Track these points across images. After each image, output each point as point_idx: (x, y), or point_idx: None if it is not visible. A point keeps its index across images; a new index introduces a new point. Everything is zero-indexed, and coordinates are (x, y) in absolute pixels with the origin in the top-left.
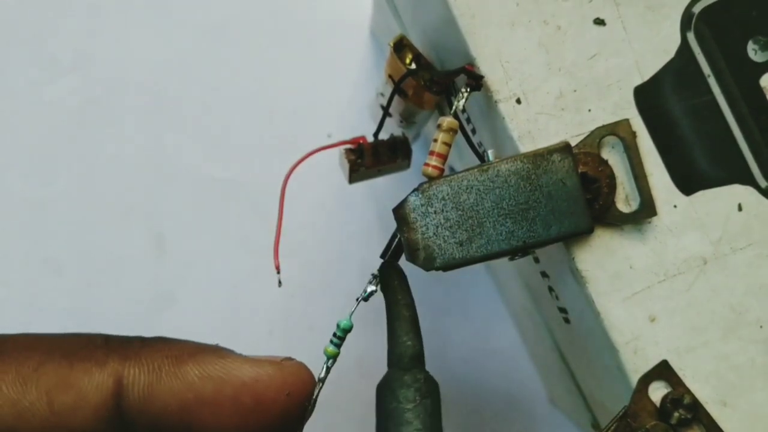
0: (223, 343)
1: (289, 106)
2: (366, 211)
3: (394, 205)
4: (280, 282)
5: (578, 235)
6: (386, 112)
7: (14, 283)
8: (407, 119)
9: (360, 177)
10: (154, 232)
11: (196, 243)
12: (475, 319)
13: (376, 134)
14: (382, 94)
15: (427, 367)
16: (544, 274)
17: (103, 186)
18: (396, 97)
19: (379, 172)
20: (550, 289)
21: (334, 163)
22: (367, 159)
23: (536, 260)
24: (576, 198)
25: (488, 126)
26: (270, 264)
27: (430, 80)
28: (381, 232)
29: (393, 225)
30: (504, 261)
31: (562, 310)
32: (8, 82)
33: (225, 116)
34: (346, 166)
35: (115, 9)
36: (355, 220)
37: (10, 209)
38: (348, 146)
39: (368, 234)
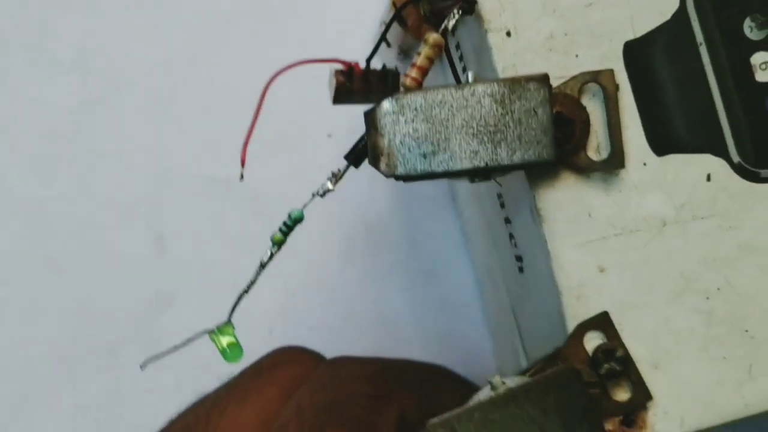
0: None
1: (289, 106)
2: (366, 211)
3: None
4: (242, 176)
5: (541, 164)
6: (383, 37)
7: (14, 282)
8: (405, 52)
9: (345, 99)
10: (154, 232)
11: (196, 243)
12: (448, 310)
13: (368, 59)
14: (385, 22)
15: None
16: (507, 220)
17: (103, 186)
18: (397, 28)
19: (366, 99)
20: (511, 237)
21: (334, 163)
22: (356, 83)
23: (502, 205)
24: (545, 128)
25: (476, 59)
26: (270, 264)
27: (430, 11)
28: (381, 232)
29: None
30: (476, 215)
31: (519, 258)
32: (8, 82)
33: (225, 116)
34: (333, 85)
35: (115, 8)
36: (355, 220)
37: (10, 209)
38: (339, 67)
39: (368, 234)
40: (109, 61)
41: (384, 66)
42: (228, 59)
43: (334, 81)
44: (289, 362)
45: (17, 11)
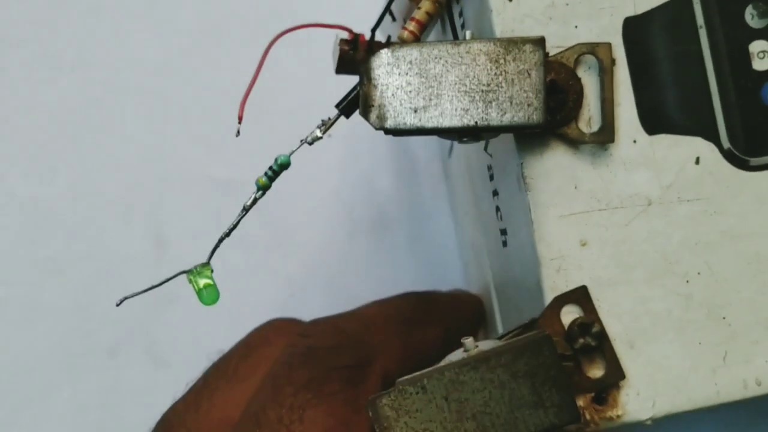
0: (222, 343)
1: (289, 106)
2: (366, 212)
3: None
4: (238, 132)
5: (530, 128)
6: (388, 8)
7: (14, 283)
8: None
9: (347, 69)
10: (154, 233)
11: (196, 243)
12: None
13: (373, 30)
14: None
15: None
16: (495, 193)
17: (103, 186)
18: (402, 1)
19: None
20: (497, 210)
21: (335, 164)
22: (360, 53)
23: (491, 178)
24: (537, 91)
25: (476, 23)
26: (270, 264)
27: None
28: (382, 232)
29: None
30: (467, 191)
31: (503, 231)
32: (8, 82)
33: (225, 116)
34: (337, 54)
35: (115, 9)
36: (355, 220)
37: (10, 209)
38: (344, 35)
39: (368, 234)
40: (109, 61)
41: (389, 38)
42: (228, 59)
43: (337, 50)
44: (277, 338)
45: (17, 11)
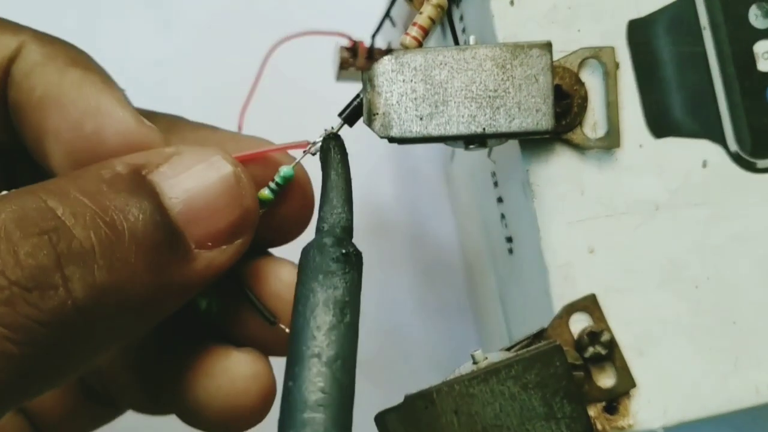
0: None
1: (289, 107)
2: (366, 211)
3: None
4: None
5: (539, 134)
6: (388, 13)
7: None
8: None
9: (348, 76)
10: None
11: None
12: (451, 311)
13: (373, 36)
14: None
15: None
16: (499, 200)
17: None
18: (403, 6)
19: None
20: (502, 217)
21: None
22: (360, 60)
23: (495, 184)
24: (545, 96)
25: (478, 28)
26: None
27: None
28: (382, 231)
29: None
30: (470, 197)
31: (509, 239)
32: None
33: (225, 116)
34: (337, 62)
35: (114, 8)
36: (356, 220)
37: None
38: (345, 43)
39: (368, 234)
40: (109, 60)
41: (389, 45)
42: (228, 58)
43: (338, 57)
44: None
45: (16, 11)
